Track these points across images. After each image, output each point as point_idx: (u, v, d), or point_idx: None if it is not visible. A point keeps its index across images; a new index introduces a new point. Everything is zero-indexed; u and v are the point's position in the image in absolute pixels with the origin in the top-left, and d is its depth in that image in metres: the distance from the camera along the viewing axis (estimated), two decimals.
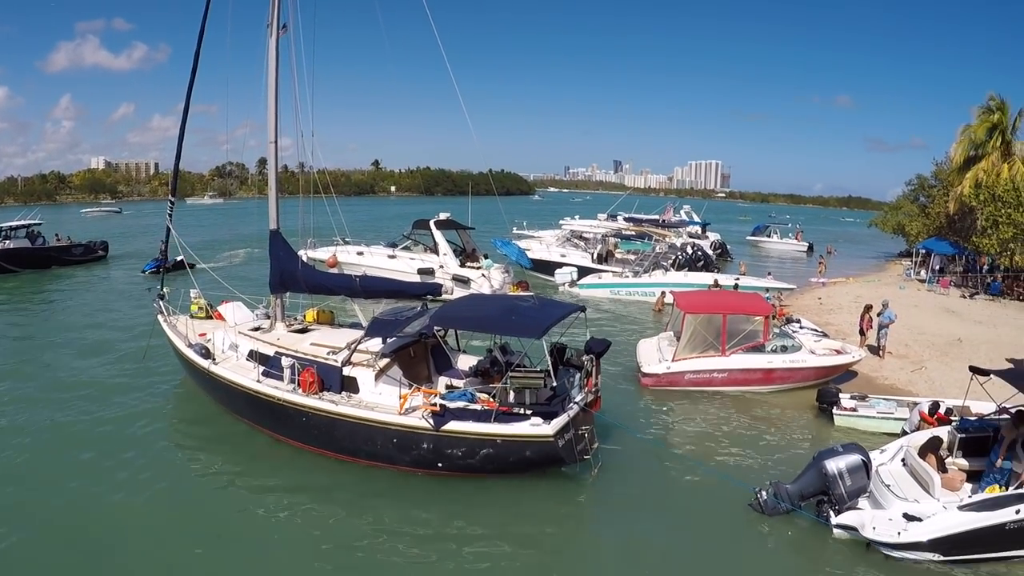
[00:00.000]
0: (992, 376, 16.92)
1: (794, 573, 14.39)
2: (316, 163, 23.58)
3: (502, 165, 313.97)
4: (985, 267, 50.84)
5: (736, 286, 37.86)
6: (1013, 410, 16.84)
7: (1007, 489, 14.76)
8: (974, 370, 17.33)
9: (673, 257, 46.57)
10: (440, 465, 16.90)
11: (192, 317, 23.19)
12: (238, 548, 14.36)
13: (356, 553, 14.30)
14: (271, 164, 21.65)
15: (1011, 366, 25.82)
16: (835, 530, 14.91)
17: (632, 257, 49.27)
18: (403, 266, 38.49)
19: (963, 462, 16.78)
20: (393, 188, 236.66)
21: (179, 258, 25.55)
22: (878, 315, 28.86)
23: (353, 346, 18.40)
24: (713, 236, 69.50)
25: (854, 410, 21.57)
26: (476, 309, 19.73)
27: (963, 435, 17.04)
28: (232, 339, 20.68)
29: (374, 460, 17.46)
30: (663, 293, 37.81)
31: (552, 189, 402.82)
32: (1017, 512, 13.98)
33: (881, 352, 28.53)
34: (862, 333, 29.28)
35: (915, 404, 20.36)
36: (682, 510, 16.36)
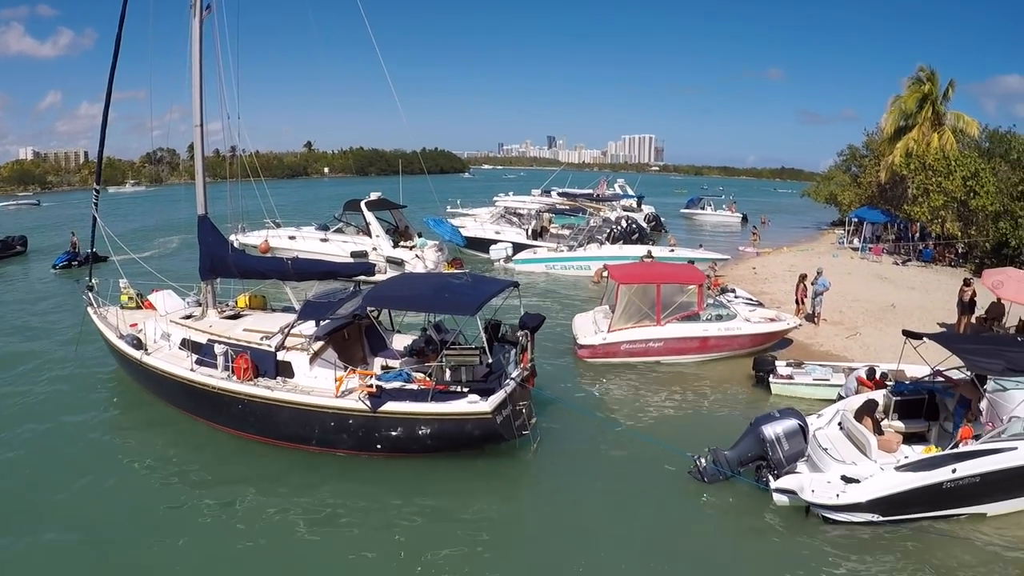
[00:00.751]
0: (925, 340, 17.28)
1: (735, 538, 14.51)
2: (244, 146, 23.21)
3: (436, 143, 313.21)
4: (917, 235, 52.01)
5: (692, 261, 38.01)
6: (952, 372, 17.41)
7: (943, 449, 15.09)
8: (907, 334, 17.69)
9: (608, 231, 46.77)
10: (379, 447, 16.79)
11: (123, 308, 22.55)
12: (185, 543, 13.86)
13: (297, 539, 14.04)
14: (197, 148, 21.17)
15: (943, 330, 26.61)
16: (774, 494, 15.05)
17: (566, 232, 49.41)
18: (336, 249, 38.02)
19: (899, 424, 17.09)
20: (326, 169, 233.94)
21: (91, 250, 24.67)
22: (812, 283, 29.27)
23: (286, 330, 18.12)
24: (648, 209, 70.03)
25: (790, 377, 21.88)
26: (409, 288, 19.64)
27: (898, 398, 17.37)
28: (164, 328, 20.20)
29: (312, 445, 17.24)
30: (604, 266, 37.89)
31: (486, 166, 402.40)
32: (953, 471, 14.33)
33: (816, 319, 29.00)
34: (798, 303, 29.65)
35: (852, 370, 20.70)
36: (623, 480, 16.40)
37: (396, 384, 16.69)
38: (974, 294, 27.60)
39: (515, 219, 52.74)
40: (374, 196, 41.09)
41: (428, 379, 16.82)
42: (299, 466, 16.80)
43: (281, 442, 17.45)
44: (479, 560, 13.52)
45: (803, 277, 29.77)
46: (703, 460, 16.17)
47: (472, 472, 16.61)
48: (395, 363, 18.68)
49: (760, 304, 29.14)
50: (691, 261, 35.68)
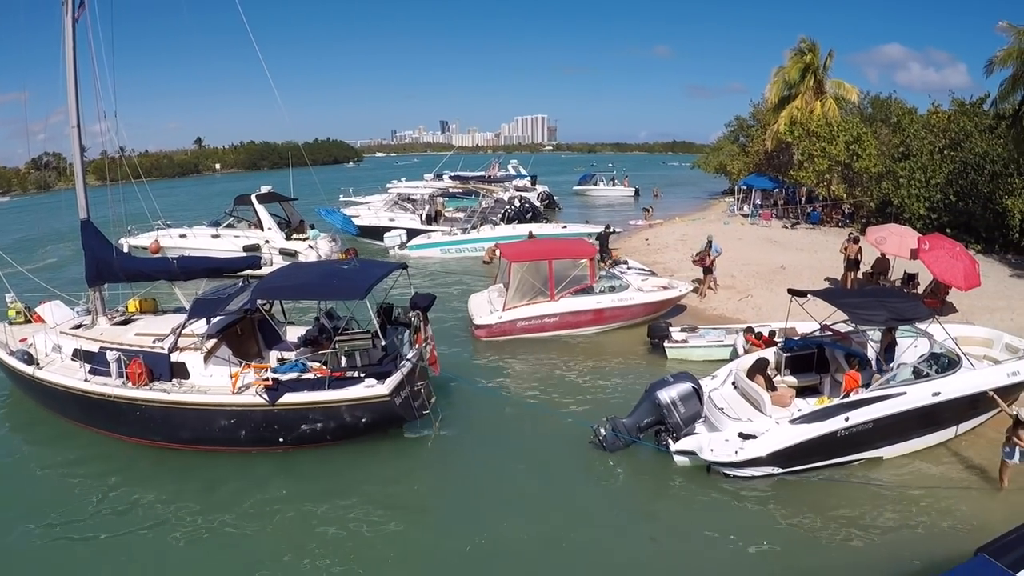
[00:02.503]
0: (810, 297, 17.97)
1: (641, 502, 14.89)
2: (129, 146, 22.52)
3: (329, 134, 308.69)
4: (804, 198, 53.76)
5: (609, 227, 38.30)
6: (839, 326, 18.16)
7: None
8: (792, 292, 18.38)
9: (502, 211, 47.04)
10: (281, 440, 16.59)
11: (11, 323, 21.58)
12: (88, 556, 13.47)
13: (208, 541, 13.70)
14: (75, 151, 20.54)
15: (829, 287, 27.64)
16: (675, 456, 15.43)
17: (461, 215, 49.42)
18: (228, 245, 37.19)
19: (791, 379, 17.82)
20: (218, 166, 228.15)
21: None
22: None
23: (178, 331, 17.64)
24: (541, 188, 70.63)
25: (685, 341, 22.48)
26: (297, 277, 19.45)
27: (788, 354, 18.12)
28: (54, 340, 19.38)
29: (215, 445, 16.92)
30: (495, 245, 38.15)
31: (380, 154, 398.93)
32: (847, 420, 15.05)
33: (711, 285, 29.57)
34: (709, 271, 30.03)
35: (742, 330, 21.30)
36: (526, 454, 16.57)
37: (292, 375, 16.52)
38: (860, 251, 28.72)
39: (409, 205, 52.52)
40: (264, 189, 40.32)
41: (324, 367, 16.70)
42: (203, 468, 16.37)
43: (183, 445, 17.05)
44: (392, 543, 13.49)
45: (709, 245, 30.12)
46: (603, 429, 16.35)
47: (377, 457, 16.57)
48: (290, 355, 18.39)
49: (653, 273, 29.69)
50: (606, 232, 36.01)
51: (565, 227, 44.31)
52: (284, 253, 36.00)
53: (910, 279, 27.96)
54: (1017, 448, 14.30)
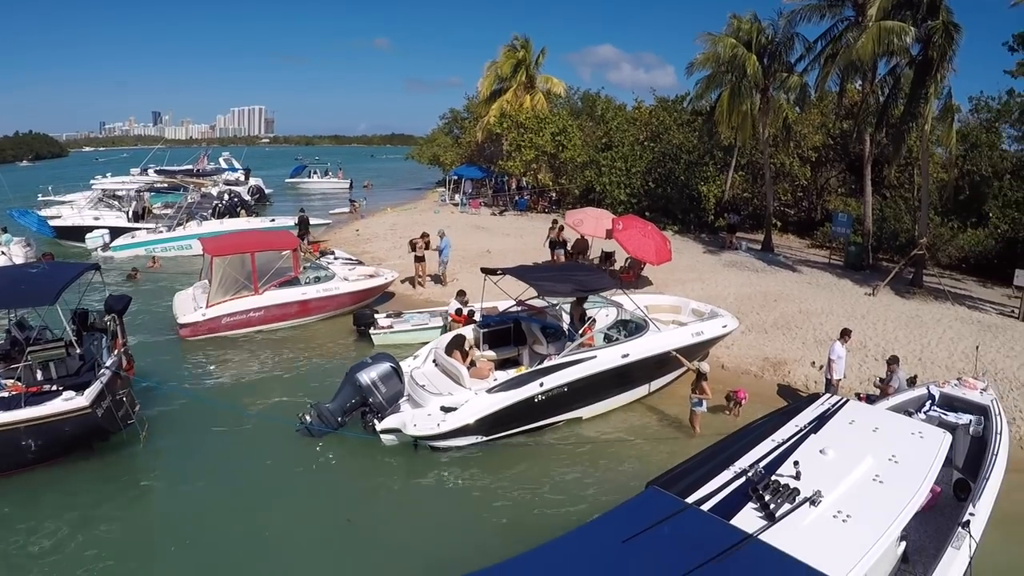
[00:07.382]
0: (502, 275, 19.14)
1: (353, 483, 15.30)
2: None
3: (32, 126, 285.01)
4: (514, 187, 56.49)
5: (303, 210, 38.36)
6: (534, 301, 19.66)
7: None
8: (485, 271, 19.51)
9: (211, 206, 45.98)
10: None
11: None
12: None
13: None
14: None
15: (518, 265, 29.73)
16: (382, 436, 16.03)
17: (169, 211, 47.68)
18: None
19: (491, 353, 19.10)
20: None
21: None
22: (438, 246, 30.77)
23: None
24: (254, 182, 69.78)
25: (390, 327, 23.33)
26: None
27: (485, 330, 19.47)
28: None
29: None
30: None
31: (87, 148, 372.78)
32: (541, 385, 16.41)
33: (443, 278, 30.74)
34: (420, 259, 30.53)
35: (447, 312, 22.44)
36: (236, 453, 16.52)
37: None
38: (561, 230, 30.98)
39: (115, 202, 49.95)
40: None
41: (18, 383, 15.61)
42: None
43: None
44: (101, 561, 12.86)
45: (424, 236, 30.89)
46: (308, 416, 16.68)
47: (84, 475, 15.60)
48: None
49: (360, 263, 30.31)
50: (303, 216, 36.08)
51: (273, 220, 44.01)
52: None
53: (607, 257, 30.53)
54: (702, 398, 16.67)
